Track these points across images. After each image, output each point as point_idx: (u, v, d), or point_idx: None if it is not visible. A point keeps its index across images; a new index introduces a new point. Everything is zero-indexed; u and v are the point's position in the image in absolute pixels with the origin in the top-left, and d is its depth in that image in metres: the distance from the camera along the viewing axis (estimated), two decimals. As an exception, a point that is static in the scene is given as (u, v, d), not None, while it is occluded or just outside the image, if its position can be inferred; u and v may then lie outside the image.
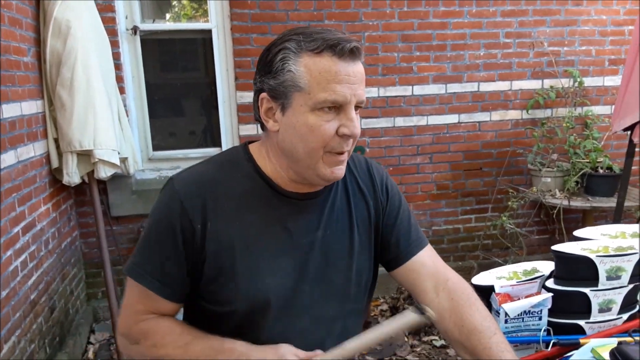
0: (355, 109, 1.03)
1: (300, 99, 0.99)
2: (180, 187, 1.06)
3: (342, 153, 1.03)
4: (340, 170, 1.05)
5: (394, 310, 3.36)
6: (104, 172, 2.76)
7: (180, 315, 1.19)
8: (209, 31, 3.38)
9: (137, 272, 1.07)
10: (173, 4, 3.78)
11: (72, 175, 2.72)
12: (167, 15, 3.76)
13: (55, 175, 2.83)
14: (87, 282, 3.37)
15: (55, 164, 2.76)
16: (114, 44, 3.07)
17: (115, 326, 2.87)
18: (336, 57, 0.98)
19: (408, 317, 0.93)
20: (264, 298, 1.06)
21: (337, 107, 1.00)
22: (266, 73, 1.03)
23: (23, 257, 2.38)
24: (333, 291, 1.13)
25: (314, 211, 1.12)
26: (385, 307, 3.48)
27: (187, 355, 1.02)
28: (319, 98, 0.97)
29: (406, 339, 3.11)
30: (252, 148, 1.14)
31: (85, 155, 2.72)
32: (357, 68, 1.00)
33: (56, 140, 2.74)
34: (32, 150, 2.55)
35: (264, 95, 1.04)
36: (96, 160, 2.69)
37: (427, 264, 1.19)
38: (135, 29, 3.26)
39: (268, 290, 1.06)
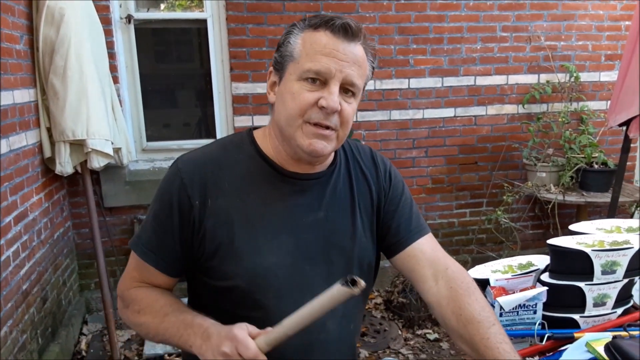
0: (347, 92, 1.05)
1: (291, 68, 1.05)
2: (182, 166, 1.11)
3: (320, 125, 1.04)
4: (320, 145, 1.05)
5: (388, 304, 3.36)
6: (97, 162, 2.74)
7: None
8: (204, 21, 3.35)
9: (135, 244, 1.14)
10: (168, -7, 3.74)
11: (65, 165, 2.69)
12: (162, 5, 3.72)
13: (47, 165, 2.80)
14: (79, 273, 3.35)
15: (47, 153, 2.73)
16: (108, 33, 3.03)
17: (108, 317, 2.86)
18: (329, 32, 1.03)
19: (337, 290, 0.89)
20: (263, 274, 1.08)
21: (322, 81, 1.03)
22: (277, 49, 1.10)
23: (15, 247, 2.36)
24: (334, 272, 1.14)
25: (315, 192, 1.14)
26: (379, 300, 3.49)
27: (162, 325, 1.06)
28: (304, 67, 1.02)
29: (400, 332, 3.12)
30: (256, 132, 1.18)
31: (78, 145, 2.69)
32: (350, 48, 1.03)
33: (49, 130, 2.71)
34: (25, 139, 2.53)
35: (271, 69, 1.12)
36: (89, 150, 2.67)
37: (427, 252, 1.19)
38: (129, 18, 3.22)
39: (268, 266, 1.08)
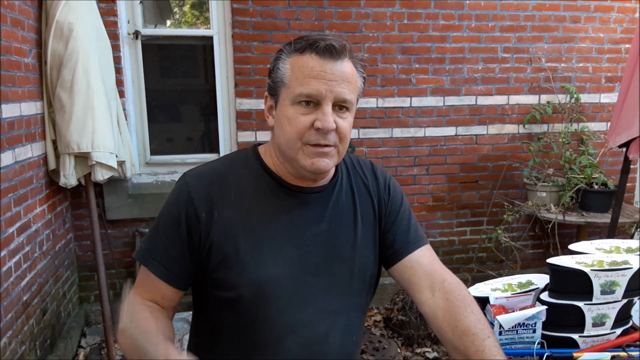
0: (341, 108, 1.08)
1: (284, 94, 1.08)
2: (190, 180, 1.14)
3: (319, 145, 1.07)
4: (322, 163, 1.08)
5: (388, 321, 3.35)
6: (101, 175, 2.76)
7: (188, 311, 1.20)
8: (210, 38, 3.40)
9: (143, 257, 1.14)
10: (174, 10, 3.80)
11: (69, 177, 2.71)
12: (168, 22, 3.78)
13: (52, 177, 2.83)
14: (79, 285, 3.35)
15: (52, 165, 2.76)
16: (115, 48, 3.08)
17: (106, 331, 2.85)
18: (315, 55, 1.05)
19: None
20: (267, 285, 1.09)
21: (315, 103, 1.06)
22: (269, 74, 1.14)
23: (17, 257, 2.37)
24: (336, 284, 1.16)
25: (319, 205, 1.17)
26: (379, 317, 3.48)
27: (135, 347, 0.98)
28: (295, 91, 1.06)
29: (399, 351, 3.11)
30: (260, 149, 1.22)
31: (82, 158, 2.72)
32: (337, 66, 1.06)
33: (54, 142, 2.74)
34: (30, 151, 2.55)
35: (266, 94, 1.16)
36: (94, 162, 2.69)
37: (424, 263, 1.21)
38: (136, 34, 3.27)
39: (272, 277, 1.10)
